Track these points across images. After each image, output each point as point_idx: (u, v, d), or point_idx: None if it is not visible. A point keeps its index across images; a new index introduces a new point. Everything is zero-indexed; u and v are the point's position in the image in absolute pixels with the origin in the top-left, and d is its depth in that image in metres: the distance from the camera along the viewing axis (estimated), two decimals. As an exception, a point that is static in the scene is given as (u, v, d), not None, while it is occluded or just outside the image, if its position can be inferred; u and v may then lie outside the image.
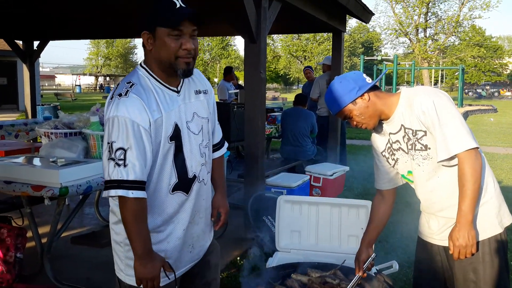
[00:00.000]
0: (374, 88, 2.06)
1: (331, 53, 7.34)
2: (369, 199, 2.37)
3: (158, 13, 1.67)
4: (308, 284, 2.34)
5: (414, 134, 1.99)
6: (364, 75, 2.08)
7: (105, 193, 1.67)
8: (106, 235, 3.52)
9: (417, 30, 39.37)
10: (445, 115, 1.88)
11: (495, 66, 58.46)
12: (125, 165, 1.61)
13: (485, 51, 52.64)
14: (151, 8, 1.70)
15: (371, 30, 57.77)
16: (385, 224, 2.32)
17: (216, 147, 2.08)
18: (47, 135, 3.37)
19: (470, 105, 28.46)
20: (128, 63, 67.69)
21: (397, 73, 23.72)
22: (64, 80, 75.54)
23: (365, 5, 6.69)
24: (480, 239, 1.98)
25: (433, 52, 39.60)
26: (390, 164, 2.18)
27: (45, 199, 2.71)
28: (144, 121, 1.64)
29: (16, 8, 5.72)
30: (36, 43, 8.38)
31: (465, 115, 20.70)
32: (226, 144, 2.14)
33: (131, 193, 1.62)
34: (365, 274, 2.26)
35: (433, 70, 42.40)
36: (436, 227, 2.11)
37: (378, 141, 2.19)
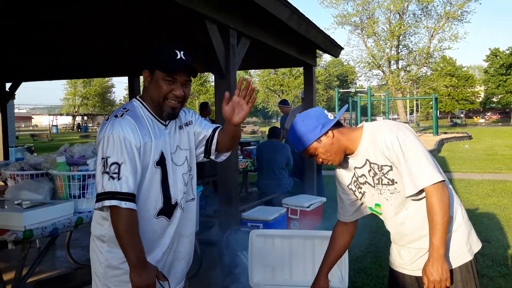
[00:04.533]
0: (337, 124, 2.07)
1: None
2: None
3: (160, 58, 1.88)
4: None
5: (380, 169, 1.99)
6: (326, 111, 2.08)
7: (98, 205, 1.77)
8: (74, 277, 3.43)
9: (390, 62, 40.47)
10: (410, 150, 1.89)
11: (468, 95, 60.20)
12: (119, 178, 1.75)
13: (457, 81, 54.28)
14: (156, 51, 1.92)
15: (345, 63, 59.20)
16: (344, 253, 2.35)
17: (215, 130, 2.13)
18: (13, 177, 3.29)
19: (445, 133, 29.02)
20: (106, 101, 67.57)
21: (373, 104, 24.18)
22: (41, 121, 74.80)
23: (333, 40, 6.85)
24: (452, 267, 1.97)
25: (406, 83, 40.61)
26: (357, 197, 2.17)
27: (8, 243, 2.62)
28: (136, 141, 1.82)
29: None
30: (8, 85, 8.30)
31: (441, 143, 21.07)
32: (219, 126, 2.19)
33: (124, 204, 1.74)
34: None
35: (407, 100, 43.34)
36: (408, 257, 2.10)
37: (344, 175, 2.18)
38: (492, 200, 8.00)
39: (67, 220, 2.90)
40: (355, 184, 2.14)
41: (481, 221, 6.35)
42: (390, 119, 39.66)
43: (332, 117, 2.05)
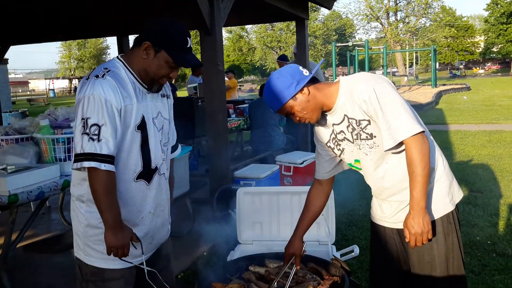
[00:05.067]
0: (313, 80, 2.00)
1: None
2: (338, 184, 2.34)
3: (172, 43, 1.84)
4: (265, 275, 2.32)
5: (358, 124, 1.95)
6: (301, 67, 2.01)
7: (76, 165, 1.75)
8: (63, 239, 3.47)
9: (388, 14, 39.59)
10: (387, 103, 1.83)
11: (468, 45, 59.34)
12: (99, 140, 1.73)
13: (456, 31, 53.32)
14: (166, 31, 1.85)
15: (344, 17, 58.04)
16: (319, 214, 2.30)
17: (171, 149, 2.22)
18: (-3, 142, 3.26)
19: (444, 84, 28.76)
20: (101, 63, 66.74)
21: (372, 58, 23.87)
22: (38, 85, 74.01)
23: (326, -10, 6.68)
24: (434, 218, 1.97)
25: (404, 35, 39.91)
26: (335, 154, 2.14)
27: (-6, 208, 2.64)
28: (117, 103, 1.78)
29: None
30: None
31: (439, 95, 20.94)
32: (180, 149, 2.28)
33: (103, 166, 1.73)
34: (298, 267, 2.26)
35: (407, 53, 42.76)
36: (389, 210, 2.09)
37: (322, 132, 2.14)
38: (487, 151, 8.03)
39: (53, 183, 2.90)
40: (334, 141, 2.10)
41: (475, 172, 6.37)
42: (388, 72, 38.50)
43: (307, 73, 1.98)
